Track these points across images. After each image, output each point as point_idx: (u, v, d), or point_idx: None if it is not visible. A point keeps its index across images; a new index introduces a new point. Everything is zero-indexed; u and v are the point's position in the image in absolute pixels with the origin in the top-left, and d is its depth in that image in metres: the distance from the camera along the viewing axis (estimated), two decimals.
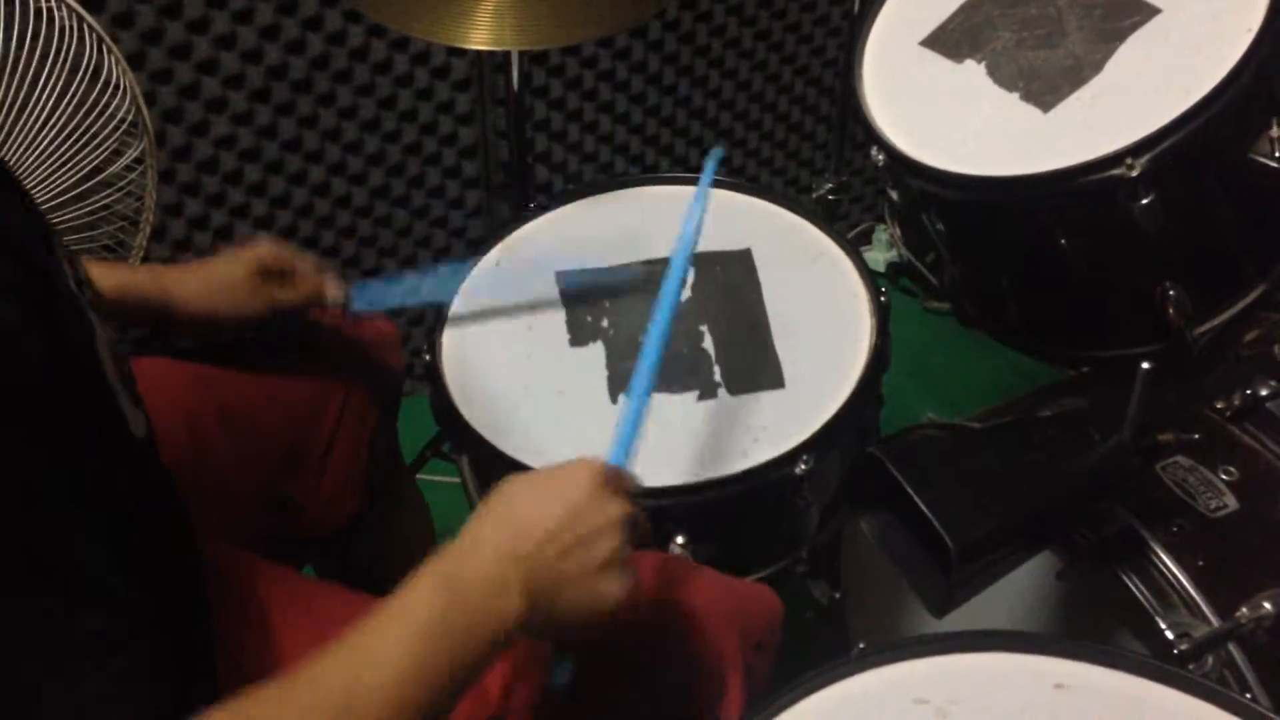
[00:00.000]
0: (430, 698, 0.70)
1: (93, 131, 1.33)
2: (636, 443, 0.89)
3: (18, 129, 1.29)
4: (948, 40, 1.23)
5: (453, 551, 0.76)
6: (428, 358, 1.22)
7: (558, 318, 1.26)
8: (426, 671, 0.70)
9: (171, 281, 1.06)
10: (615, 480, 0.81)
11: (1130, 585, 1.02)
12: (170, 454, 1.02)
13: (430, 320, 1.27)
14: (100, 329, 0.75)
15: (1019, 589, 1.15)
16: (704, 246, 1.31)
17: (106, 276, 1.02)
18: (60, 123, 1.31)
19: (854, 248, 1.31)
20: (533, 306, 1.27)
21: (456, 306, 1.28)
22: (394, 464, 1.35)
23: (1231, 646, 0.98)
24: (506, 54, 1.46)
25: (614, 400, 1.17)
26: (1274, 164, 1.08)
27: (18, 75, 1.27)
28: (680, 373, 1.19)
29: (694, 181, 1.40)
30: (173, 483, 0.92)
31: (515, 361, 1.22)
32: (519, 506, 0.78)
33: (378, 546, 1.32)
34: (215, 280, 1.09)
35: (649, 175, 1.44)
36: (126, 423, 0.77)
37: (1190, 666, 0.95)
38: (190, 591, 0.90)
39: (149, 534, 0.80)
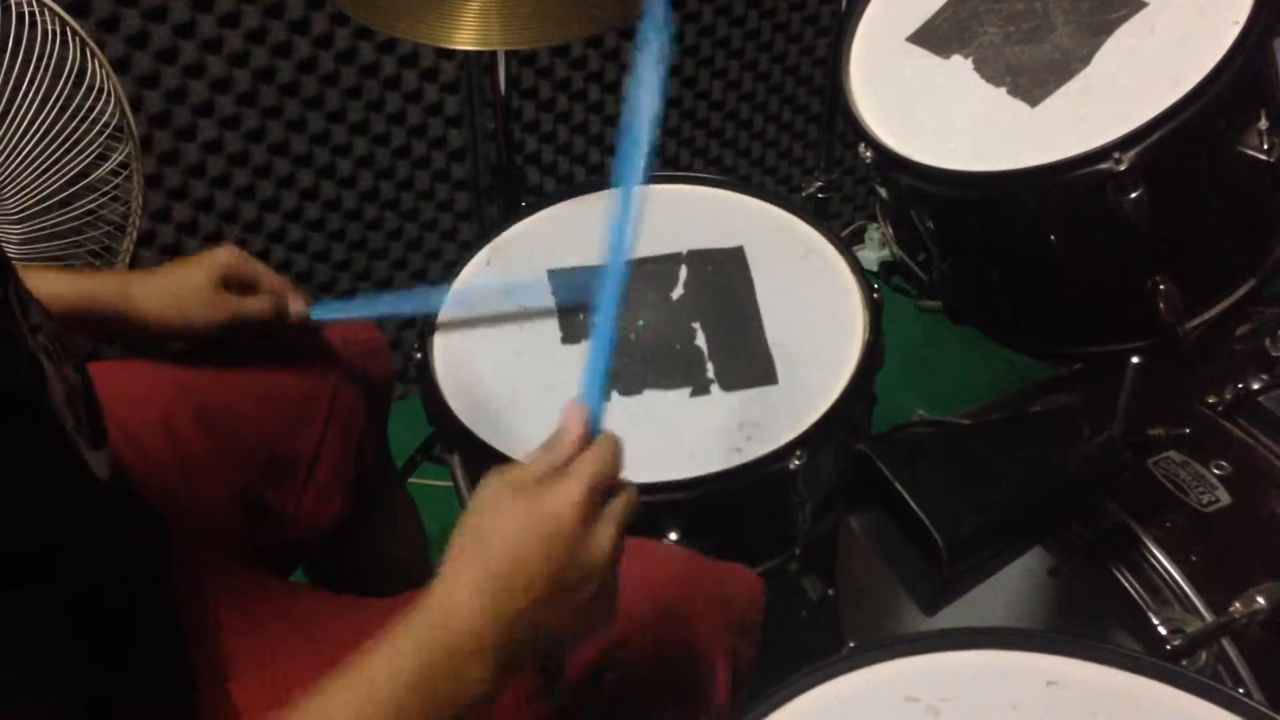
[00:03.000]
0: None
1: (77, 136, 1.32)
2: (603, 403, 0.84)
3: (1, 134, 1.29)
4: (934, 36, 1.23)
5: (430, 607, 0.71)
6: (419, 355, 1.22)
7: (549, 316, 1.26)
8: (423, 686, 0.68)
9: (133, 288, 1.05)
10: (603, 494, 0.75)
11: (1123, 581, 1.02)
12: (146, 458, 1.02)
13: (421, 320, 1.27)
14: (54, 376, 0.74)
15: (1011, 586, 1.15)
16: (696, 245, 1.32)
17: (68, 284, 1.01)
18: (44, 127, 1.30)
19: (846, 245, 1.31)
20: (523, 305, 1.27)
21: (448, 306, 1.28)
22: (383, 469, 1.35)
23: (1225, 641, 0.98)
24: (494, 55, 1.46)
25: (606, 397, 1.17)
26: (1262, 156, 1.07)
27: (1, 80, 1.26)
28: (673, 369, 1.19)
29: (686, 180, 1.41)
30: (147, 513, 0.92)
31: (507, 359, 1.22)
32: (498, 554, 0.71)
33: (367, 552, 1.31)
34: (176, 287, 1.07)
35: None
36: (85, 468, 0.76)
37: (1183, 662, 0.95)
38: (163, 625, 0.90)
39: (114, 577, 0.80)
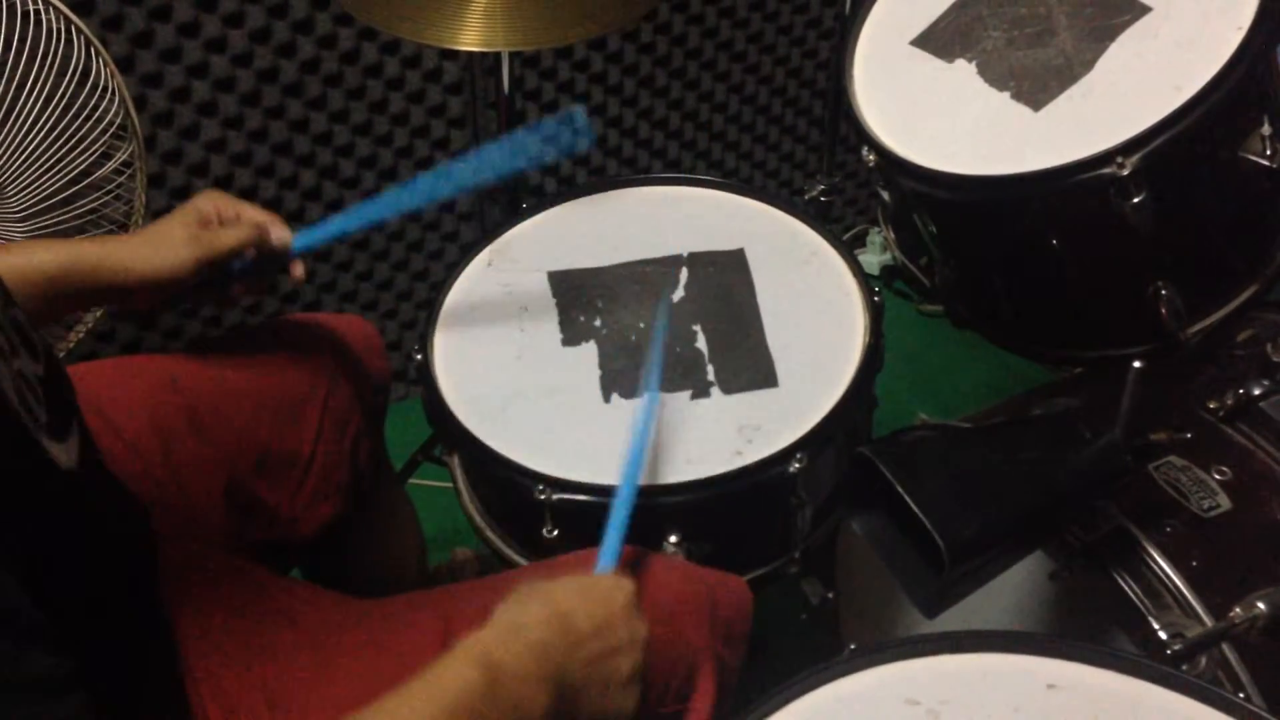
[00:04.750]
0: None
1: (81, 134, 1.32)
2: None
3: (5, 132, 1.29)
4: (938, 40, 1.23)
5: (492, 632, 0.80)
6: (419, 357, 1.22)
7: (550, 318, 1.26)
8: None
9: (113, 245, 1.04)
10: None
11: (1123, 585, 1.02)
12: (135, 453, 1.02)
13: (422, 321, 1.27)
14: (5, 367, 0.74)
15: (1011, 589, 1.15)
16: (698, 247, 1.32)
17: (51, 254, 1.01)
18: (48, 126, 1.30)
19: (847, 248, 1.31)
20: (525, 307, 1.27)
21: (449, 307, 1.28)
22: (380, 469, 1.35)
23: (1225, 646, 0.98)
24: (497, 57, 1.46)
25: (606, 399, 1.17)
26: (1265, 162, 1.07)
27: (5, 78, 1.26)
28: (674, 372, 1.19)
29: (687, 182, 1.41)
30: (122, 500, 0.92)
31: (507, 361, 1.22)
32: (561, 602, 0.83)
33: (363, 551, 1.32)
34: (154, 235, 1.05)
35: (639, 177, 1.44)
36: (46, 458, 0.76)
37: (1184, 666, 0.95)
38: (145, 611, 0.90)
39: (86, 565, 0.80)
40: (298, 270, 1.13)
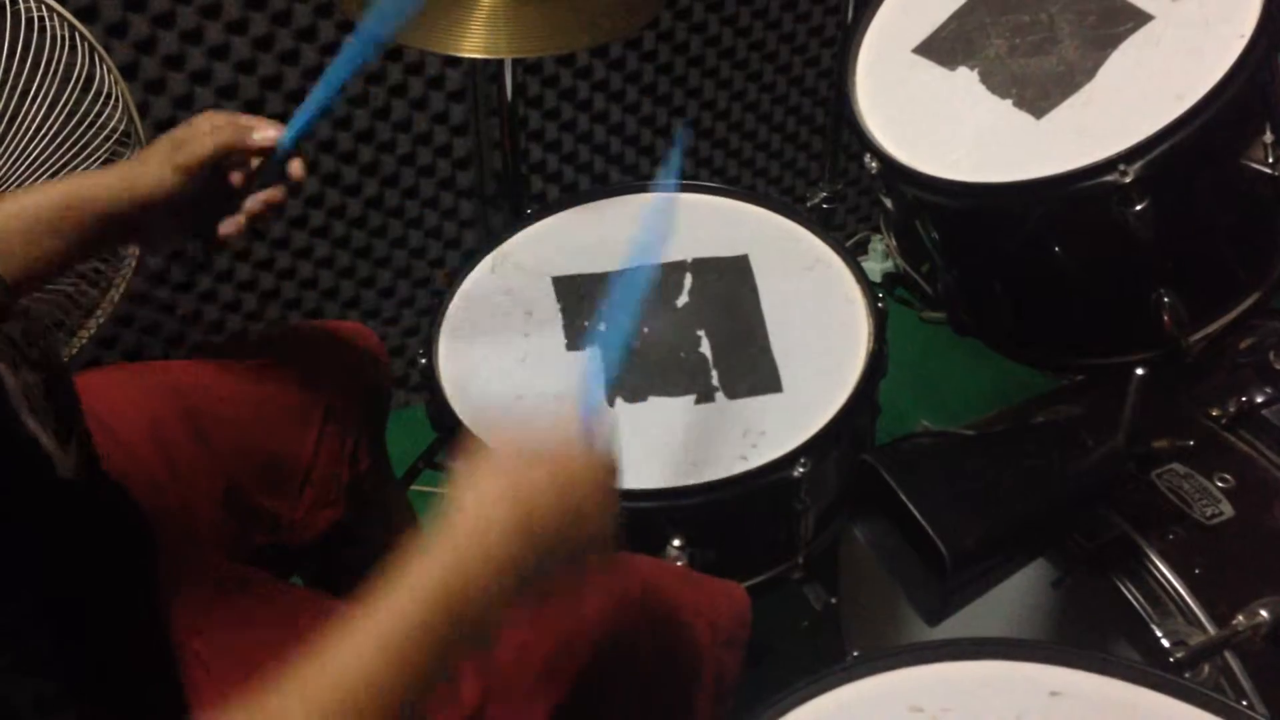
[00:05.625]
0: (432, 665, 0.71)
1: (84, 141, 1.32)
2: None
3: (9, 138, 1.29)
4: (940, 47, 1.23)
5: (452, 551, 0.74)
6: (424, 362, 1.22)
7: (554, 323, 1.26)
8: (430, 641, 0.70)
9: (97, 175, 1.00)
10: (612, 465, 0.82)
11: (1126, 593, 1.02)
12: (134, 460, 1.02)
13: (426, 326, 1.27)
14: (12, 377, 0.74)
15: (1014, 597, 1.15)
16: (702, 253, 1.32)
17: (40, 193, 0.97)
18: (52, 132, 1.30)
19: (851, 255, 1.31)
20: (529, 312, 1.27)
21: (453, 312, 1.28)
22: (381, 475, 1.35)
23: (1228, 654, 0.98)
24: (500, 64, 1.46)
25: (611, 404, 1.17)
26: (1267, 170, 1.08)
27: (9, 85, 1.26)
28: (678, 377, 1.19)
29: (691, 188, 1.41)
30: (127, 512, 0.92)
31: (512, 366, 1.22)
32: (529, 500, 0.76)
33: (364, 558, 1.31)
34: (135, 157, 1.01)
35: (643, 183, 1.44)
36: (49, 467, 0.76)
37: (1186, 674, 0.95)
38: (145, 619, 0.90)
39: (86, 573, 0.80)
40: (296, 169, 1.06)
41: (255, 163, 1.03)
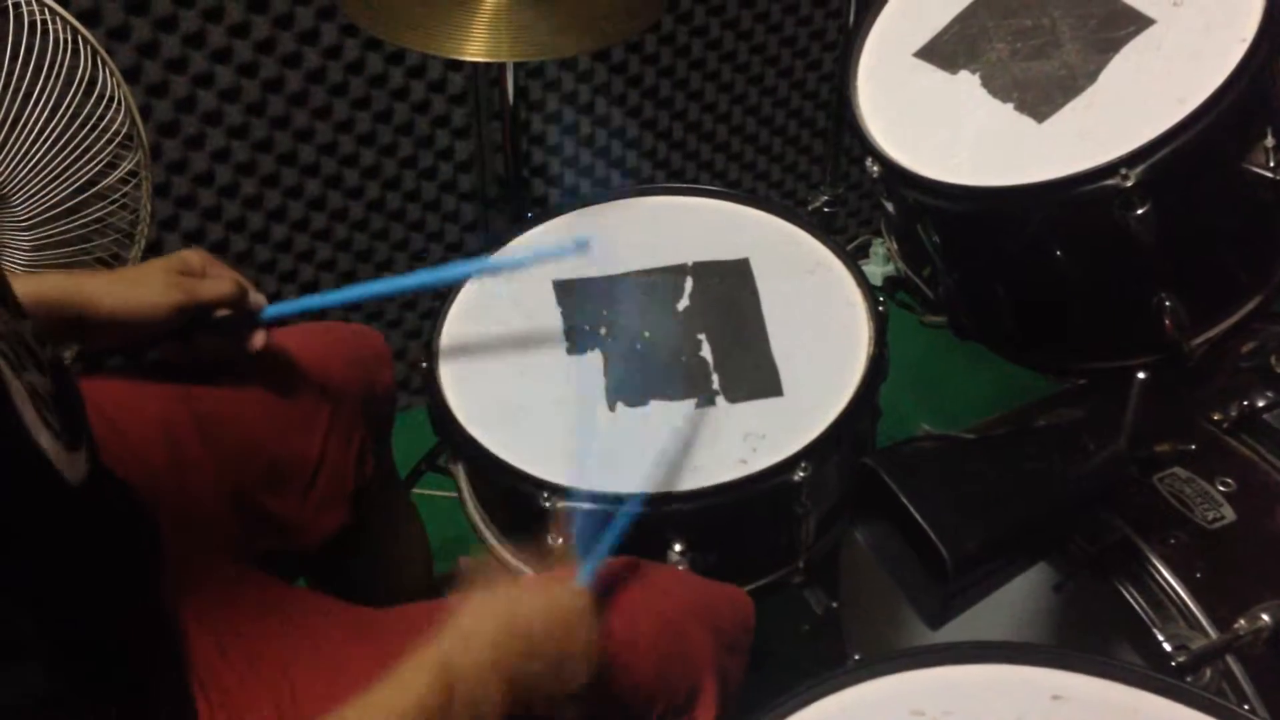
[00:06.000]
0: None
1: (87, 144, 1.32)
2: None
3: (12, 141, 1.29)
4: (942, 51, 1.23)
5: (450, 639, 0.82)
6: (425, 365, 1.22)
7: (555, 327, 1.26)
8: None
9: (87, 282, 1.02)
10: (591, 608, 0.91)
11: (1127, 597, 1.02)
12: (145, 465, 1.02)
13: (427, 330, 1.27)
14: (16, 379, 0.73)
15: (1016, 601, 1.15)
16: (702, 256, 1.32)
17: (20, 285, 0.96)
18: (54, 135, 1.30)
19: (851, 258, 1.31)
20: (530, 315, 1.27)
21: (454, 317, 1.28)
22: (386, 479, 1.35)
23: (1229, 659, 0.98)
24: (502, 68, 1.46)
25: (612, 408, 1.17)
26: (1269, 174, 1.07)
27: (11, 88, 1.26)
28: (678, 380, 1.19)
29: (692, 192, 1.42)
30: (136, 516, 0.92)
31: (513, 369, 1.22)
32: (519, 610, 0.86)
33: (369, 561, 1.32)
34: (132, 275, 1.05)
35: (643, 186, 1.44)
36: (55, 473, 0.76)
37: (1188, 679, 0.95)
38: (152, 621, 0.90)
39: (93, 578, 0.80)
40: (258, 340, 1.10)
41: (223, 311, 1.08)
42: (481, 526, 1.25)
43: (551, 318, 1.27)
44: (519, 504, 1.11)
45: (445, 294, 1.31)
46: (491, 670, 0.82)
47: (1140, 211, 1.04)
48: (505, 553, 1.23)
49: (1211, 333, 1.17)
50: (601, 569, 0.97)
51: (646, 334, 1.24)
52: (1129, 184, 1.03)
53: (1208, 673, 0.97)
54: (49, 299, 0.98)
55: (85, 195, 1.36)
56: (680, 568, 1.10)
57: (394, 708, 0.77)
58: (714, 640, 1.02)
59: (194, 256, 1.08)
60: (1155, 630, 0.98)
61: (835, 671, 0.82)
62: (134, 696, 0.84)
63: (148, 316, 1.02)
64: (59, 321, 0.99)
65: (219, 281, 1.07)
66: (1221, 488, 1.10)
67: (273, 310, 1.12)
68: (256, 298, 1.11)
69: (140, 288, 1.02)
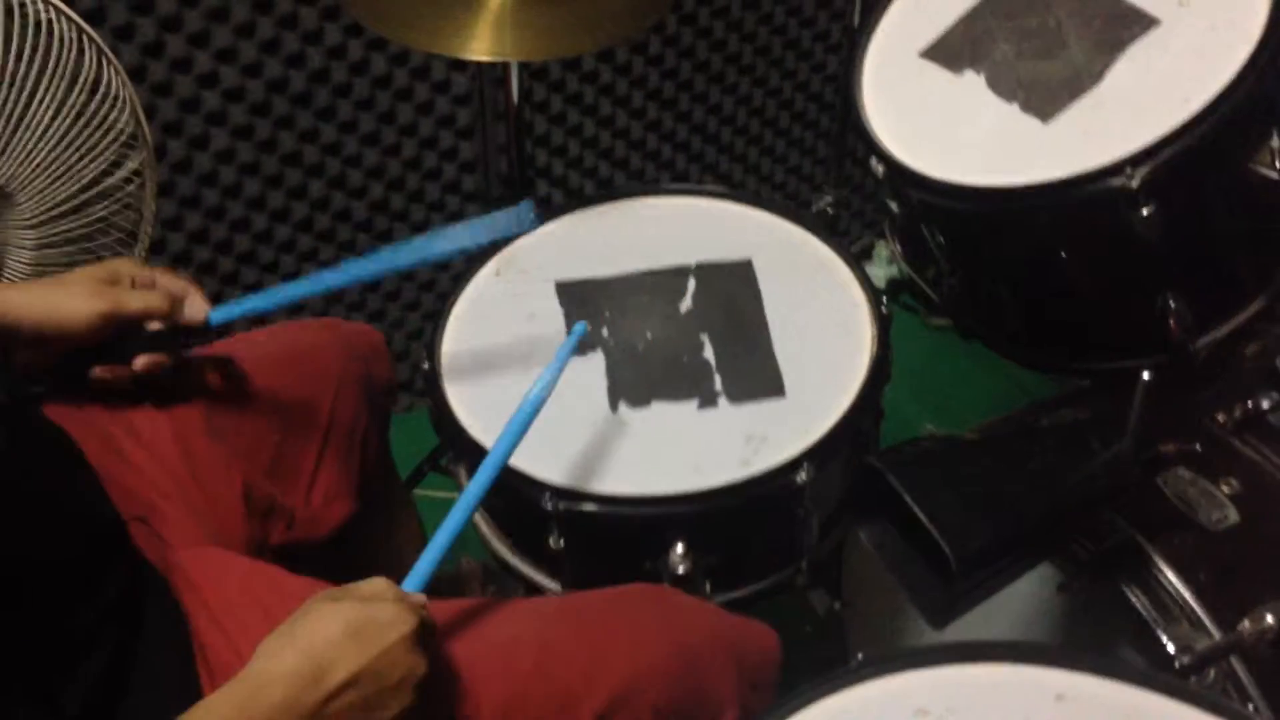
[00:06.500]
0: None
1: (91, 143, 1.32)
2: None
3: (17, 140, 1.29)
4: (947, 51, 1.23)
5: (233, 693, 0.76)
6: (427, 366, 1.22)
7: (557, 328, 1.26)
8: None
9: (5, 289, 0.99)
10: (428, 633, 0.84)
11: (1132, 598, 1.02)
12: (156, 459, 1.02)
13: (430, 330, 1.27)
14: None
15: (1020, 601, 1.15)
16: (705, 257, 1.32)
17: None
18: (59, 134, 1.30)
19: (855, 259, 1.31)
20: (532, 316, 1.27)
21: (456, 317, 1.28)
22: (386, 473, 1.35)
23: (1233, 659, 0.98)
24: (506, 68, 1.46)
25: (614, 409, 1.17)
26: (1275, 175, 1.08)
27: (17, 87, 1.26)
28: (681, 381, 1.19)
29: (695, 193, 1.41)
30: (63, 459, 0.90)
31: (515, 370, 1.22)
32: (320, 649, 0.78)
33: (369, 561, 1.31)
34: (54, 283, 0.99)
35: (646, 186, 1.44)
36: None
37: (1192, 679, 0.94)
38: (171, 619, 0.90)
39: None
40: (196, 304, 1.05)
41: (156, 325, 1.02)
42: (483, 527, 1.25)
43: (554, 318, 1.27)
44: (521, 505, 1.11)
45: (447, 295, 1.31)
46: (285, 715, 0.75)
47: (1146, 212, 1.04)
48: (507, 553, 1.23)
49: (1217, 333, 1.17)
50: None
51: (649, 335, 1.24)
52: (1134, 184, 1.02)
53: (1212, 674, 0.97)
54: None
55: (89, 194, 1.36)
56: (707, 601, 1.10)
57: None
58: (737, 676, 1.01)
59: (124, 265, 1.02)
60: (1159, 631, 0.98)
61: (839, 671, 0.82)
62: (144, 698, 0.84)
63: (68, 327, 0.96)
64: None
65: (147, 294, 1.00)
66: (1226, 489, 1.10)
67: (219, 316, 1.05)
68: (195, 309, 1.04)
69: (60, 295, 0.97)
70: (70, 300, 0.97)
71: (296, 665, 0.77)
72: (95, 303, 0.97)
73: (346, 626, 0.79)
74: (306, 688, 0.76)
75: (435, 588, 1.63)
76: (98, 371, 1.01)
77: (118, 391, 1.03)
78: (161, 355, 1.03)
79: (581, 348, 1.23)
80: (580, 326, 1.10)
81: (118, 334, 0.99)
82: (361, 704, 0.78)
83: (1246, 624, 0.97)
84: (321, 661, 0.77)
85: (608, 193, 1.42)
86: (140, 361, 1.02)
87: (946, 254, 1.26)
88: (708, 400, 1.18)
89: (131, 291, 1.00)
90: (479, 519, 1.25)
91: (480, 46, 1.29)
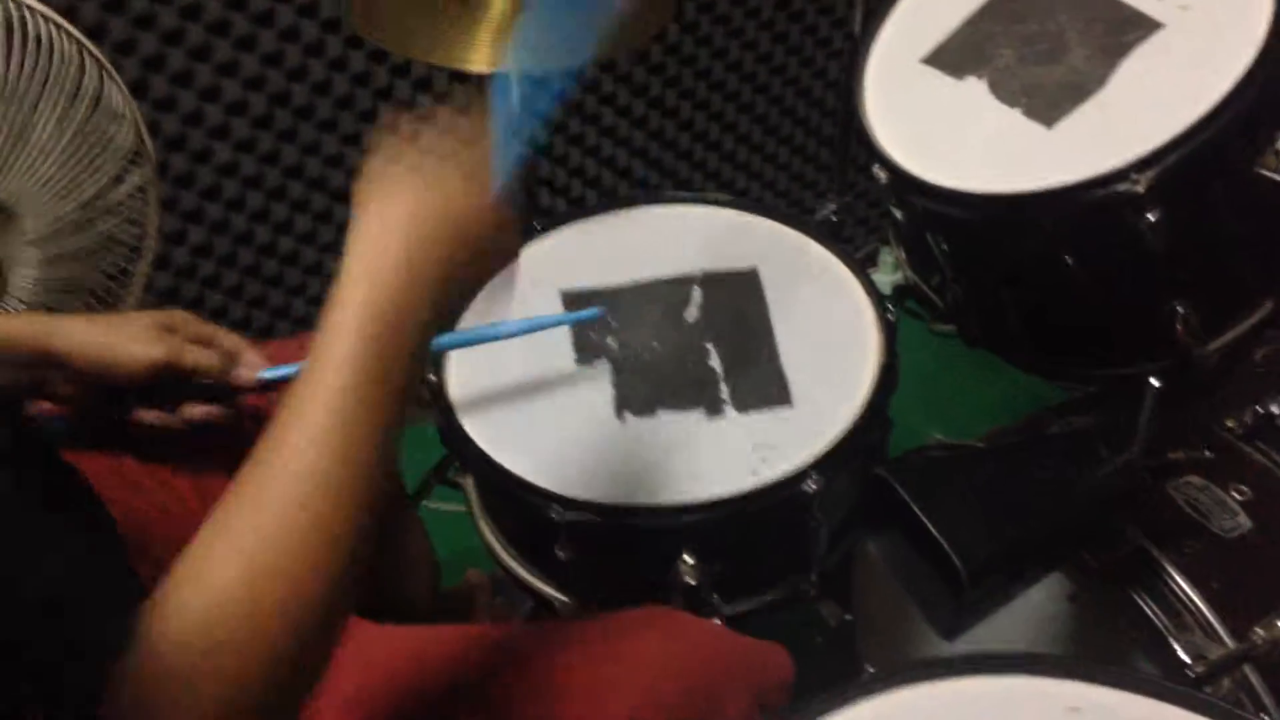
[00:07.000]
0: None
1: (93, 159, 1.32)
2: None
3: (19, 157, 1.29)
4: (949, 57, 1.23)
5: (360, 267, 0.79)
6: (433, 378, 1.22)
7: (563, 337, 1.26)
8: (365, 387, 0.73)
9: (59, 324, 0.97)
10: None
11: (1144, 607, 1.01)
12: (169, 490, 1.01)
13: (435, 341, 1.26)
14: None
15: (1031, 611, 1.14)
16: (711, 266, 1.31)
17: None
18: (61, 150, 1.30)
19: (860, 266, 1.30)
20: (537, 326, 1.27)
21: (461, 327, 1.28)
22: (392, 486, 1.34)
23: (1247, 668, 0.97)
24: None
25: (621, 419, 1.17)
26: None
27: (18, 102, 1.26)
28: (687, 390, 1.19)
29: (700, 201, 1.41)
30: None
31: (521, 380, 1.21)
32: (458, 241, 0.80)
33: (375, 574, 1.31)
34: (109, 323, 0.98)
35: (651, 194, 1.43)
36: None
37: (1205, 689, 0.94)
38: None
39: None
40: (250, 367, 1.04)
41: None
42: (490, 539, 1.24)
43: (560, 328, 1.27)
44: (528, 516, 1.10)
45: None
46: (413, 289, 0.77)
47: (1151, 217, 1.03)
48: (515, 565, 1.23)
49: (1225, 339, 1.16)
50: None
51: (655, 344, 1.24)
52: (1140, 189, 1.02)
53: (1225, 682, 0.96)
54: (13, 338, 0.94)
55: (93, 210, 1.36)
56: (716, 621, 1.09)
57: (327, 383, 0.73)
58: (747, 698, 0.99)
59: (183, 317, 1.01)
60: (1172, 640, 0.98)
61: (850, 684, 0.81)
62: None
63: (122, 369, 0.95)
64: (19, 363, 0.94)
65: (208, 353, 1.01)
66: (1237, 496, 1.10)
67: (270, 375, 1.04)
68: (250, 365, 1.03)
69: (122, 336, 0.96)
70: (131, 344, 0.96)
71: (444, 253, 0.79)
72: (154, 349, 0.96)
73: (473, 224, 0.82)
74: (424, 257, 0.79)
75: (445, 600, 1.63)
76: (144, 415, 1.00)
77: (148, 439, 1.02)
78: (216, 408, 1.03)
79: (586, 357, 1.23)
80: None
81: (164, 381, 0.99)
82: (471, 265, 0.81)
83: (1260, 631, 0.96)
84: (434, 230, 0.80)
85: (612, 202, 1.42)
86: (196, 411, 1.01)
87: (951, 260, 1.26)
88: (714, 409, 1.17)
89: (193, 347, 1.00)
90: (486, 530, 1.24)
91: (482, 58, 1.28)
